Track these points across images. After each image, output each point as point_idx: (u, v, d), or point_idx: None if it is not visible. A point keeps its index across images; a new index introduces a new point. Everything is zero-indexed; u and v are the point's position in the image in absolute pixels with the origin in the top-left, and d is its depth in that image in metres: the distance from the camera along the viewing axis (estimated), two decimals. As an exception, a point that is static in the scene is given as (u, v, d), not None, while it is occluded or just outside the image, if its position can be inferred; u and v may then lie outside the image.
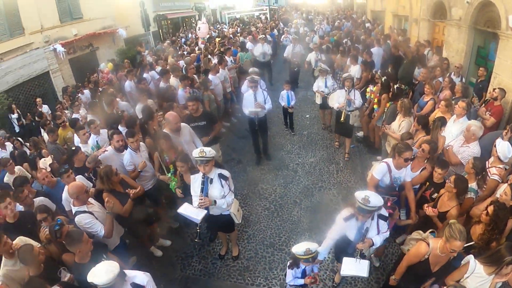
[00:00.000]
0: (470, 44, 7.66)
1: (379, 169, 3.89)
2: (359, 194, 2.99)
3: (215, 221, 4.20)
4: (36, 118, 8.89)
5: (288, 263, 3.43)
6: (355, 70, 7.90)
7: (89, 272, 2.43)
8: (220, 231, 4.71)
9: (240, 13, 27.22)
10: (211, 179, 3.74)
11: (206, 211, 3.69)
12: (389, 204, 3.66)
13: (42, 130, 7.57)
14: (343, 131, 6.78)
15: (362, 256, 3.23)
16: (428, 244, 2.92)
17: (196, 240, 4.07)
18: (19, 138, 7.37)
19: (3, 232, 3.14)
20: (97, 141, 5.55)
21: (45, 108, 9.82)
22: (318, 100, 7.72)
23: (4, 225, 3.66)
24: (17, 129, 9.22)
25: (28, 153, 6.33)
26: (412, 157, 3.96)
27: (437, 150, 4.35)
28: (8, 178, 5.25)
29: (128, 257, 4.52)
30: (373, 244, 3.19)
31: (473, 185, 3.68)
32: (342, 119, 6.31)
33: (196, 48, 12.38)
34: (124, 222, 4.19)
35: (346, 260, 3.21)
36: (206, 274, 4.61)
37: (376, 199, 2.96)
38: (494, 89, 5.66)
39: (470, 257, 2.81)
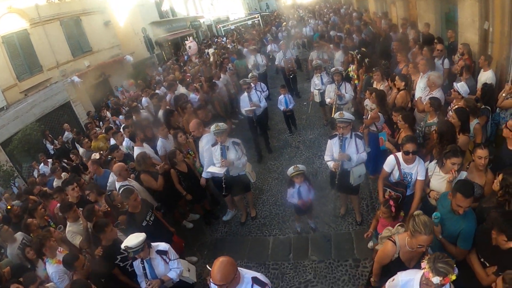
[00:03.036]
0: (438, 11, 8.40)
1: (388, 162, 3.78)
2: (337, 114, 4.06)
3: (235, 182, 5.13)
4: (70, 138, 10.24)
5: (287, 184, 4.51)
6: (338, 55, 8.86)
7: (123, 242, 3.15)
8: (240, 193, 5.41)
9: (234, 24, 28.62)
10: (227, 146, 4.79)
11: (226, 168, 4.77)
12: (386, 197, 3.58)
13: (78, 146, 8.75)
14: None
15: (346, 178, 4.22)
16: (395, 242, 2.75)
17: (224, 194, 5.21)
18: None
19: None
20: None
21: (68, 135, 10.91)
22: (317, 98, 7.60)
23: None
24: (51, 152, 10.48)
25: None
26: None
27: (385, 98, 5.14)
28: (56, 183, 6.44)
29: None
30: (350, 159, 4.08)
31: (434, 120, 4.44)
32: (332, 114, 6.27)
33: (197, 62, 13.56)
34: (158, 197, 5.22)
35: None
36: (231, 234, 5.57)
37: (348, 114, 4.02)
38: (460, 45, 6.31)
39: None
